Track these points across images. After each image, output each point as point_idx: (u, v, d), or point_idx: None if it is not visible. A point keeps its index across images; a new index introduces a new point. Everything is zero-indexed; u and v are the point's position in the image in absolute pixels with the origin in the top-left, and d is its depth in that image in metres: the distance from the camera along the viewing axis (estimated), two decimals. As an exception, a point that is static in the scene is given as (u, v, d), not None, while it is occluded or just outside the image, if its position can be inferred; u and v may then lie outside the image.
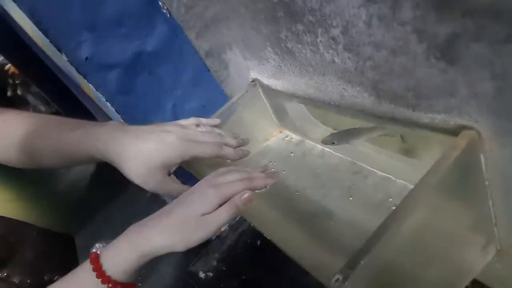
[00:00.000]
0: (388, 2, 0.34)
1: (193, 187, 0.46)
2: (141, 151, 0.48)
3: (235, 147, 0.55)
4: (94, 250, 0.41)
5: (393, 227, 0.34)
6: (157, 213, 0.44)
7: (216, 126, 0.63)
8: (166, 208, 0.44)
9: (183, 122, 0.58)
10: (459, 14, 0.29)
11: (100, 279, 0.40)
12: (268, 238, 0.45)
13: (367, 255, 0.33)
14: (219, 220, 0.42)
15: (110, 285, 0.40)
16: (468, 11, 0.29)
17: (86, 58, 0.64)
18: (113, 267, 0.40)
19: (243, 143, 0.58)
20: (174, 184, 0.50)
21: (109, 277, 0.40)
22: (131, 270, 0.41)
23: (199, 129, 0.56)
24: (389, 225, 0.34)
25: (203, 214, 0.42)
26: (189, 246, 0.41)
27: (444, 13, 0.30)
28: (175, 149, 0.49)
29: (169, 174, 0.51)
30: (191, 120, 0.59)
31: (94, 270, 0.40)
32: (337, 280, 0.33)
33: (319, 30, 0.44)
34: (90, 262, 0.41)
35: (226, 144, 0.54)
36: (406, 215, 0.34)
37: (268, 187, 0.47)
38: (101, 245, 0.42)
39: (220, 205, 0.43)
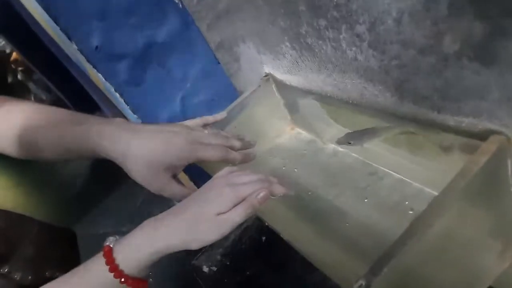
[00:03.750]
0: (422, -1, 0.32)
1: (208, 184, 0.46)
2: (147, 151, 0.47)
3: (240, 149, 0.55)
4: (107, 243, 0.41)
5: (419, 233, 0.33)
6: (172, 209, 0.43)
7: (223, 120, 0.63)
8: (181, 205, 0.44)
9: (189, 122, 0.58)
10: (498, 13, 0.28)
11: (113, 273, 0.39)
12: (283, 238, 0.44)
13: (391, 261, 0.32)
14: (234, 219, 0.41)
15: (122, 279, 0.39)
16: (508, 10, 0.27)
17: (96, 47, 0.62)
18: (126, 262, 0.40)
19: (249, 145, 0.57)
20: (178, 187, 0.49)
21: (121, 271, 0.40)
22: (143, 266, 0.41)
23: (206, 131, 0.55)
24: (415, 230, 0.33)
25: (219, 213, 0.41)
26: (203, 245, 0.41)
27: (482, 13, 0.29)
28: (182, 151, 0.48)
29: (175, 176, 0.50)
30: (198, 121, 0.59)
31: (107, 263, 0.39)
32: (360, 286, 0.32)
33: (343, 26, 0.42)
34: (103, 255, 0.40)
35: (232, 147, 0.54)
36: (433, 220, 0.33)
37: (281, 194, 0.46)
38: (114, 238, 0.41)
39: (235, 205, 0.42)
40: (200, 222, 0.41)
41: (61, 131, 0.50)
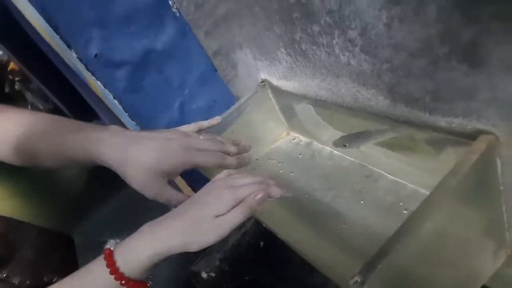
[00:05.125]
0: (411, 3, 0.34)
1: (207, 186, 0.46)
2: (143, 159, 0.47)
3: (236, 154, 0.56)
4: (108, 246, 0.41)
5: (412, 230, 0.34)
6: (171, 212, 0.44)
7: (220, 125, 0.63)
8: (180, 207, 0.44)
9: (185, 128, 0.58)
10: (486, 17, 0.29)
11: (113, 276, 0.40)
12: (281, 239, 0.45)
13: (385, 257, 0.33)
14: (233, 221, 0.42)
15: (123, 281, 0.40)
16: (495, 14, 0.29)
17: (95, 55, 0.64)
18: (127, 264, 0.40)
19: (244, 150, 0.58)
20: (174, 192, 0.50)
21: (122, 273, 0.40)
22: (144, 268, 0.41)
23: (201, 136, 0.56)
24: (408, 227, 0.34)
25: (218, 215, 0.42)
26: (202, 247, 0.41)
27: (470, 15, 0.30)
28: (177, 158, 0.49)
29: (169, 182, 0.51)
30: (193, 126, 0.59)
31: (107, 266, 0.40)
32: (356, 282, 0.32)
33: (336, 32, 0.44)
34: (104, 258, 0.41)
35: (227, 152, 0.54)
36: (425, 218, 0.34)
37: (279, 196, 0.46)
38: (115, 241, 0.42)
39: (234, 207, 0.43)
40: (199, 224, 0.41)
41: (59, 139, 0.50)
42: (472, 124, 0.38)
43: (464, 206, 0.40)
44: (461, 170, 0.35)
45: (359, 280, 0.32)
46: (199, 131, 0.61)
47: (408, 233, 0.34)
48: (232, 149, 0.55)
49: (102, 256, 0.41)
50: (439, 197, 0.35)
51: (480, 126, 0.37)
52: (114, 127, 0.51)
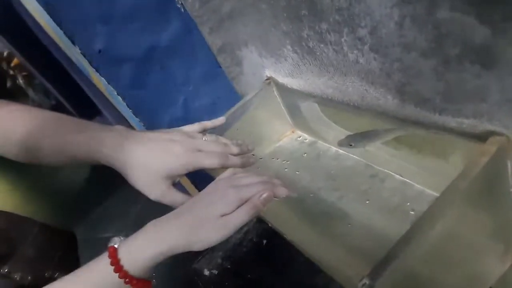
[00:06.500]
0: (424, 2, 0.33)
1: (211, 186, 0.46)
2: (147, 161, 0.47)
3: (239, 155, 0.55)
4: (112, 244, 0.41)
5: (421, 233, 0.33)
6: (176, 211, 0.43)
7: (221, 124, 0.62)
8: (185, 206, 0.44)
9: (188, 128, 0.58)
10: (500, 17, 0.29)
11: (117, 274, 0.39)
12: (287, 239, 0.45)
13: (394, 260, 0.32)
14: (238, 221, 0.41)
15: (126, 279, 0.40)
16: (509, 15, 0.28)
17: (99, 51, 0.63)
18: (131, 262, 0.40)
19: (247, 150, 0.57)
20: (178, 194, 0.49)
21: (126, 271, 0.40)
22: (148, 266, 0.41)
23: (204, 137, 0.55)
24: (417, 230, 0.33)
25: (222, 215, 0.41)
26: (207, 246, 0.41)
27: (484, 16, 0.30)
28: (181, 160, 0.48)
29: (174, 184, 0.50)
30: (196, 126, 0.59)
31: (111, 264, 0.39)
32: (364, 284, 0.32)
33: (345, 30, 0.43)
34: (108, 255, 0.40)
35: (231, 153, 0.53)
36: (434, 220, 0.34)
37: (284, 196, 0.46)
38: (119, 239, 0.41)
39: (239, 206, 0.43)
40: (204, 223, 0.41)
41: (63, 138, 0.50)
42: (483, 125, 0.37)
43: (473, 208, 0.40)
44: (471, 172, 0.35)
45: (367, 282, 0.32)
46: (203, 131, 0.60)
47: (417, 236, 0.33)
48: (235, 150, 0.54)
49: (106, 254, 0.41)
50: (448, 200, 0.35)
51: (491, 127, 0.37)
52: (119, 127, 0.51)
